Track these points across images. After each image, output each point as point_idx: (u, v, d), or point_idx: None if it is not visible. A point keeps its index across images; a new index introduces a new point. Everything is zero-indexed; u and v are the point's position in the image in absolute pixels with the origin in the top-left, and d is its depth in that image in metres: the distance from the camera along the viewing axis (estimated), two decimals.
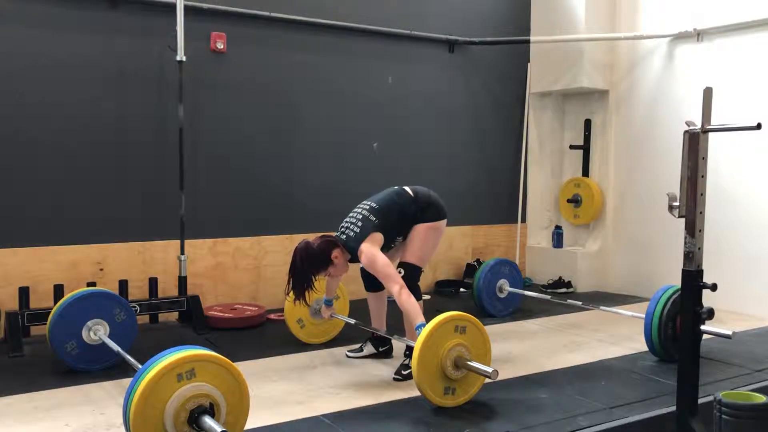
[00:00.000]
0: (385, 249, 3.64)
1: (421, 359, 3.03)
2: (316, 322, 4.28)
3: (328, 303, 4.12)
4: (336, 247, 3.63)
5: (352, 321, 4.12)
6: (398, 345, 4.09)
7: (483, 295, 5.08)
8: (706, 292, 2.76)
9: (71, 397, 3.26)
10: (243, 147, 5.19)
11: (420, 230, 3.73)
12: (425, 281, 6.08)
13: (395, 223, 3.69)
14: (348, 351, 4.06)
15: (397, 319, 4.38)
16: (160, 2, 4.74)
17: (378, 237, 3.60)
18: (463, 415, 3.05)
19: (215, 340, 4.30)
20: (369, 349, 4.02)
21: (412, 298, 3.43)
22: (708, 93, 2.70)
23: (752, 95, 5.18)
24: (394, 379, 3.56)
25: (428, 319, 3.98)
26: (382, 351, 4.03)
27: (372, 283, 3.95)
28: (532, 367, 3.80)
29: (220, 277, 5.11)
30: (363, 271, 3.91)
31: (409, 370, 3.57)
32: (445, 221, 3.82)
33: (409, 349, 3.67)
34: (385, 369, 3.75)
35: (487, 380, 3.13)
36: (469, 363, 3.09)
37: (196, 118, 4.94)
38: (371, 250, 3.53)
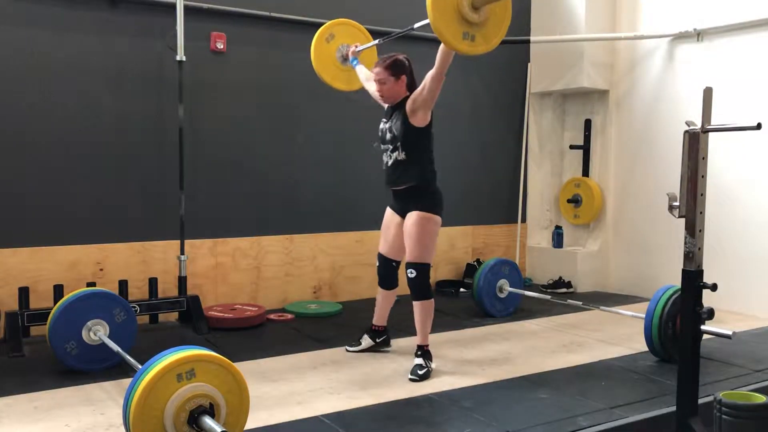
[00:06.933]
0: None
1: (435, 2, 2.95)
2: (343, 68, 4.49)
3: (355, 62, 4.35)
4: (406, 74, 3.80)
5: (378, 41, 4.36)
6: (409, 344, 4.10)
7: (483, 295, 5.08)
8: (706, 292, 2.75)
9: (71, 398, 3.26)
10: (243, 147, 5.19)
11: (414, 220, 3.70)
12: None
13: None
14: (347, 347, 4.09)
15: (401, 319, 4.39)
16: (160, 2, 4.74)
17: None
18: (463, 415, 3.05)
19: (215, 341, 4.30)
20: (366, 341, 4.07)
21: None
22: (708, 93, 2.70)
23: (752, 95, 5.17)
24: (411, 380, 3.55)
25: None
26: (380, 342, 4.07)
27: (386, 281, 4.00)
28: (532, 367, 3.80)
29: (220, 277, 5.11)
30: (380, 268, 4.00)
31: (425, 370, 3.58)
32: (439, 219, 3.79)
33: (420, 349, 3.68)
34: (385, 369, 3.75)
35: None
36: None
37: (196, 118, 4.94)
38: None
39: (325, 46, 4.44)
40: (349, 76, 4.49)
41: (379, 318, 4.08)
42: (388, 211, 3.96)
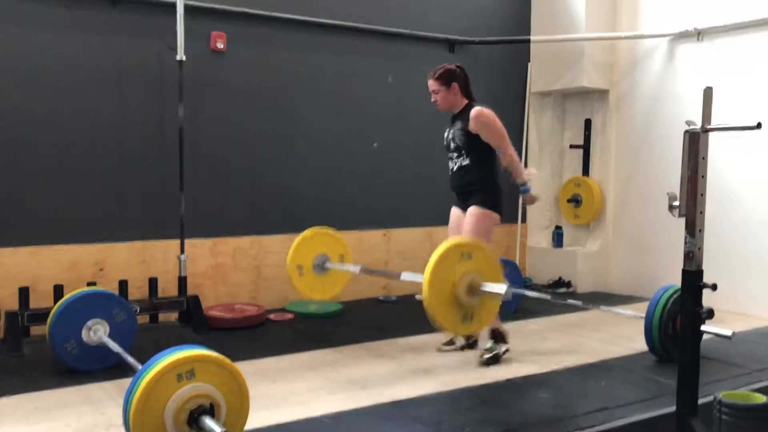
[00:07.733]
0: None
1: (432, 290, 3.06)
2: (318, 276, 4.34)
3: (525, 190, 3.95)
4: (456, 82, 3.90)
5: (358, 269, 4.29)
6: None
7: None
8: (706, 292, 2.75)
9: (71, 398, 3.26)
10: (243, 147, 5.19)
11: (472, 213, 3.81)
12: None
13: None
14: (441, 346, 4.11)
15: (399, 319, 4.38)
16: (160, 2, 4.74)
17: None
18: (463, 415, 3.05)
19: (215, 341, 4.30)
20: (460, 341, 4.15)
21: (516, 156, 3.78)
22: (708, 93, 2.70)
23: (752, 95, 5.17)
24: (479, 356, 3.78)
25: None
26: (471, 342, 4.14)
27: None
28: (532, 367, 3.80)
29: (220, 277, 5.11)
30: None
31: (492, 353, 3.75)
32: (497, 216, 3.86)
33: (493, 334, 3.82)
34: (385, 369, 3.75)
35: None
36: (482, 288, 3.13)
37: (196, 118, 4.94)
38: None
39: (300, 278, 4.32)
40: (323, 286, 4.37)
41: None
42: (454, 210, 4.04)
